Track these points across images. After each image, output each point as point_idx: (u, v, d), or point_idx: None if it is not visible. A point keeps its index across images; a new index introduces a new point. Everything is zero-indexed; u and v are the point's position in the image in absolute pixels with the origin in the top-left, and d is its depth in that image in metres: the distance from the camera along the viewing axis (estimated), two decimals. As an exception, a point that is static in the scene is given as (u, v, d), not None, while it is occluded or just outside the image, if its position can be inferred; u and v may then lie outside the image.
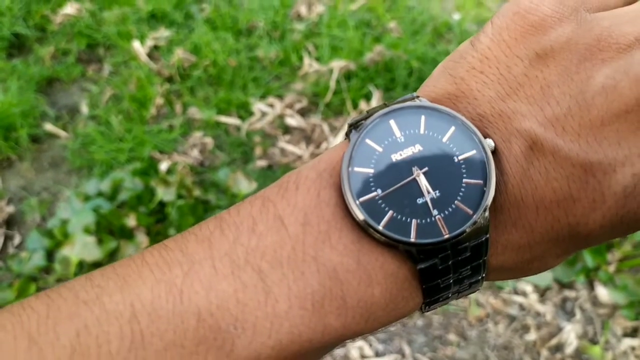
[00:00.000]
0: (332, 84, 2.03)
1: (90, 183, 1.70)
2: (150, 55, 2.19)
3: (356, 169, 0.27)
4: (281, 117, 1.99)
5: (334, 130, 1.95)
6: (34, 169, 1.85)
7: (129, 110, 2.00)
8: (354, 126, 0.29)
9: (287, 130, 1.97)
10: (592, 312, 1.47)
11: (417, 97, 0.28)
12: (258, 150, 1.88)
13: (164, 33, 2.26)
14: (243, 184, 1.66)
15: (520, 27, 0.26)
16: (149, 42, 2.21)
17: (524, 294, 1.50)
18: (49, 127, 1.93)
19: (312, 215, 0.27)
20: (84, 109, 2.02)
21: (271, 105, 2.03)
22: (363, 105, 1.96)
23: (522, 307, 1.49)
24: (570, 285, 1.51)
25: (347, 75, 2.07)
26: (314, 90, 2.05)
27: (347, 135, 0.29)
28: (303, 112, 2.02)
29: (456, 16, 2.40)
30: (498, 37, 0.26)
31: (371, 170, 0.27)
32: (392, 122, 0.28)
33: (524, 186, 0.25)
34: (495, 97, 0.26)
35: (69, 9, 2.29)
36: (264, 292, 0.26)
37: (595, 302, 1.48)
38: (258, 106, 2.01)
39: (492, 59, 0.26)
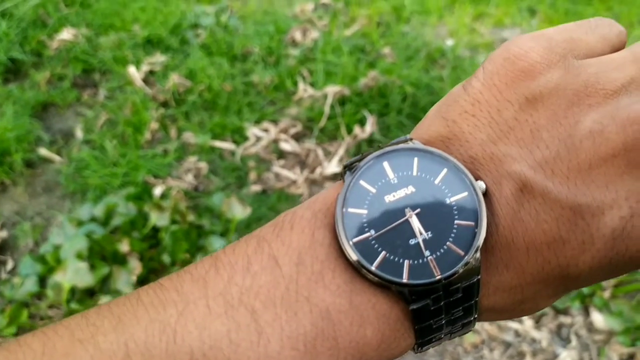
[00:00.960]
0: (327, 109, 2.04)
1: (84, 208, 1.70)
2: (145, 80, 2.20)
3: (350, 209, 0.27)
4: (276, 141, 2.00)
5: (329, 155, 1.96)
6: (27, 193, 1.85)
7: (124, 134, 2.00)
8: (349, 168, 0.29)
9: (281, 155, 1.97)
10: (588, 339, 1.46)
11: (411, 139, 0.29)
12: (252, 175, 1.88)
13: (159, 58, 2.27)
14: (237, 209, 1.65)
15: (510, 72, 0.27)
16: (145, 67, 2.22)
17: (520, 320, 1.50)
18: (43, 151, 1.93)
19: (306, 255, 0.27)
20: (79, 133, 2.02)
21: (266, 130, 2.04)
22: (357, 130, 1.97)
23: (517, 334, 1.48)
24: (565, 312, 1.51)
25: (342, 101, 2.09)
26: (309, 115, 2.06)
27: (342, 176, 0.30)
28: (297, 137, 2.03)
29: (449, 42, 2.43)
30: (489, 81, 0.27)
31: (365, 211, 0.27)
32: (385, 164, 0.28)
33: (515, 228, 0.26)
34: (486, 139, 0.27)
35: (66, 35, 2.31)
36: (256, 332, 0.26)
37: (591, 328, 1.48)
38: (253, 131, 2.02)
39: (483, 102, 0.27)
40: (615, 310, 1.45)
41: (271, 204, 1.80)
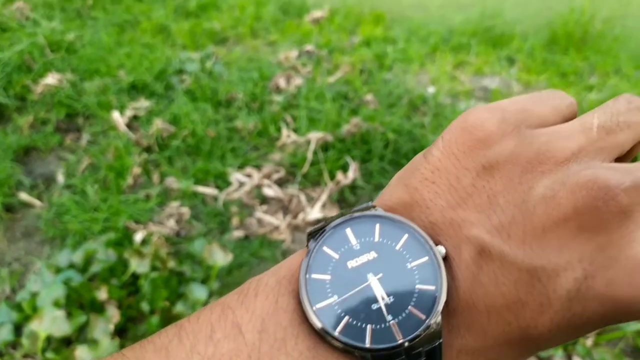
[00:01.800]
0: (310, 155, 2.05)
1: (62, 254, 1.67)
2: (129, 125, 2.21)
3: (314, 275, 0.28)
4: (259, 187, 2.00)
5: (311, 200, 1.96)
6: (6, 238, 1.82)
7: (106, 179, 1.99)
8: (312, 235, 0.30)
9: (264, 200, 1.97)
10: (571, 388, 1.45)
11: (373, 206, 0.30)
12: (235, 221, 1.88)
13: (144, 103, 2.28)
14: (219, 256, 1.64)
15: (468, 141, 0.28)
16: (129, 112, 2.23)
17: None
18: (23, 196, 1.91)
19: (270, 322, 0.27)
20: (60, 178, 2.01)
21: (249, 176, 2.04)
22: (340, 177, 1.98)
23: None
24: (548, 360, 1.50)
25: (325, 147, 2.10)
26: (292, 161, 2.07)
27: (306, 243, 0.30)
28: (280, 183, 2.03)
29: (431, 89, 2.47)
30: (448, 150, 0.28)
31: (328, 277, 0.28)
32: (348, 231, 0.29)
33: (475, 291, 0.26)
34: (446, 206, 0.27)
35: (50, 79, 2.32)
36: None
37: (574, 377, 1.46)
38: (236, 176, 2.02)
39: (443, 170, 0.28)
40: (597, 359, 1.45)
41: (253, 249, 1.79)
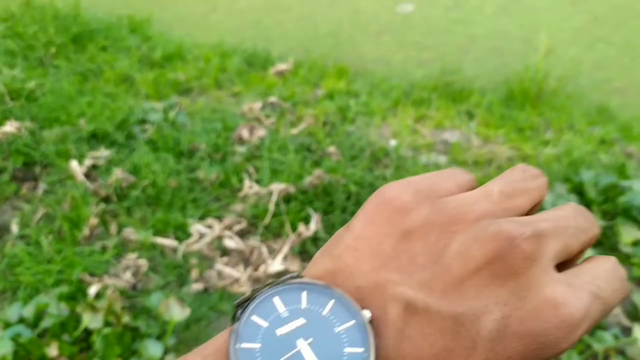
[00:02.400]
0: (272, 207, 2.04)
1: (13, 308, 1.61)
2: (87, 174, 2.18)
3: (243, 345, 0.28)
4: (220, 238, 1.98)
5: (273, 252, 1.94)
6: (-48, 292, 1.75)
7: (61, 230, 1.94)
8: (240, 305, 0.30)
9: (225, 252, 1.94)
10: None
11: (300, 275, 0.31)
12: (194, 273, 1.84)
13: (103, 153, 2.26)
14: (176, 310, 1.60)
15: (386, 211, 0.30)
16: (88, 162, 2.20)
17: None
18: (-27, 247, 1.85)
19: None
20: (14, 228, 1.95)
21: (210, 227, 2.01)
22: (302, 228, 1.97)
23: None
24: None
25: (287, 198, 2.10)
26: (254, 213, 2.06)
27: (234, 316, 0.30)
28: (242, 234, 2.01)
29: (393, 142, 2.51)
30: (369, 220, 0.31)
31: (258, 345, 0.28)
32: (276, 299, 0.30)
33: (403, 346, 0.27)
34: (369, 270, 0.29)
35: (8, 127, 2.28)
36: None
37: None
38: (196, 227, 2.00)
39: (365, 238, 0.30)
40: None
41: (213, 303, 1.75)
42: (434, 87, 2.94)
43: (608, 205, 2.02)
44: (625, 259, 1.84)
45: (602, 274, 0.29)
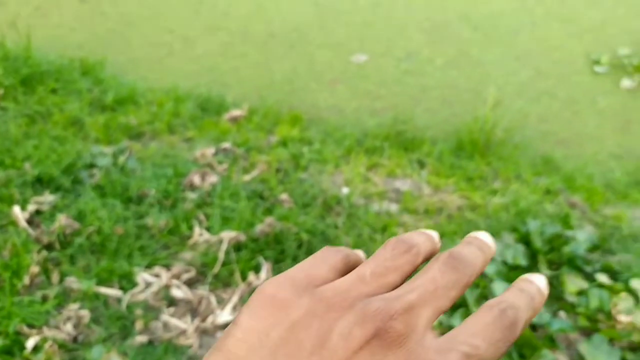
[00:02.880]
0: (221, 255, 2.01)
1: (-60, 364, 1.51)
2: (30, 220, 2.10)
3: None
4: (167, 287, 1.92)
5: (222, 302, 1.89)
6: None
7: (0, 279, 1.85)
8: None
9: (172, 302, 1.89)
10: None
11: None
12: (139, 324, 1.78)
13: (48, 198, 2.19)
14: (117, 364, 1.53)
15: (269, 307, 0.33)
16: (31, 207, 2.12)
17: None
18: None
19: None
20: (-53, 277, 1.85)
21: (157, 275, 1.96)
22: (252, 277, 1.94)
23: None
24: None
25: (237, 246, 2.07)
26: (203, 261, 2.02)
27: None
28: (190, 283, 1.96)
29: (345, 190, 2.52)
30: (254, 314, 0.33)
31: None
32: None
33: None
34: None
35: (-53, 170, 2.19)
36: None
37: None
38: (143, 276, 1.94)
39: (252, 330, 0.32)
40: None
41: (157, 356, 1.69)
42: (386, 136, 2.98)
43: (553, 254, 2.07)
44: (570, 309, 1.87)
45: (480, 330, 0.32)
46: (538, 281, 0.36)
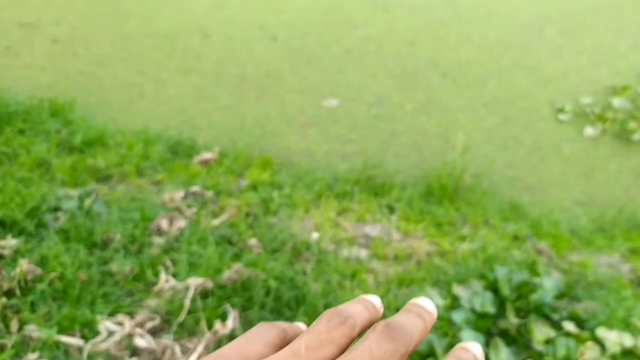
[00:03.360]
0: (187, 302, 1.97)
1: None
2: (-10, 266, 2.04)
3: None
4: (130, 336, 1.87)
5: (186, 352, 1.85)
6: None
7: (-46, 328, 1.79)
8: None
9: (135, 352, 1.83)
10: None
11: None
12: (99, 376, 1.72)
13: (10, 242, 2.13)
14: (74, 419, 1.47)
15: None
16: (-9, 252, 2.06)
17: None
18: None
19: None
20: None
21: (120, 324, 1.91)
22: (218, 326, 1.90)
23: None
24: None
25: (204, 293, 2.03)
26: (168, 309, 1.97)
27: None
28: (155, 332, 1.91)
29: (315, 235, 2.51)
30: None
31: None
32: None
33: None
34: None
35: None
36: None
37: None
38: (105, 324, 1.88)
39: None
40: None
41: (117, 409, 1.63)
42: (356, 181, 3.00)
43: (521, 302, 2.07)
44: (538, 357, 1.87)
45: None
46: (474, 349, 0.35)
